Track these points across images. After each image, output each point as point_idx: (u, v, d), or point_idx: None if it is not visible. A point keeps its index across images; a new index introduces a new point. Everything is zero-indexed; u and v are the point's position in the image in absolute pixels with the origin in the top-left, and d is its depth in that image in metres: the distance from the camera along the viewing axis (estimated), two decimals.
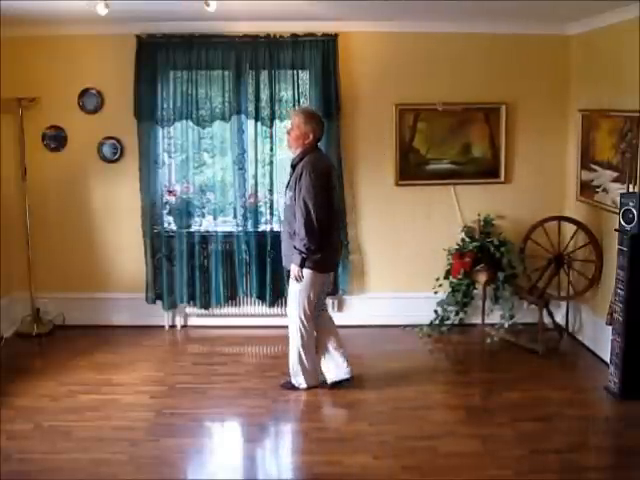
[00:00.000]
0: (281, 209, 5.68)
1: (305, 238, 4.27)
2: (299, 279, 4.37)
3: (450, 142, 5.77)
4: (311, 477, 3.71)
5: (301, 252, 4.30)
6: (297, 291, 4.46)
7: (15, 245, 5.72)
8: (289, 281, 4.54)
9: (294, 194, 4.37)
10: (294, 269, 4.37)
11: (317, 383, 4.66)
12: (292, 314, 4.54)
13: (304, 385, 4.62)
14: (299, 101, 5.57)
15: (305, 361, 4.57)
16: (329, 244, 4.44)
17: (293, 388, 4.63)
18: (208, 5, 4.21)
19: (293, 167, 4.48)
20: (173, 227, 5.78)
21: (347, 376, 4.65)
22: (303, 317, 4.49)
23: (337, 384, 4.64)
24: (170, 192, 5.75)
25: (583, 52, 5.47)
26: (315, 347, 4.64)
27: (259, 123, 5.59)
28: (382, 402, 4.50)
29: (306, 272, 4.39)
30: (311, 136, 4.41)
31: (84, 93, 5.67)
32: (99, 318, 5.86)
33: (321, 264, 4.42)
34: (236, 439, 4.22)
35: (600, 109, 5.15)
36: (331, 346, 4.66)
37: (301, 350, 4.55)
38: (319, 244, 4.32)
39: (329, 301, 5.88)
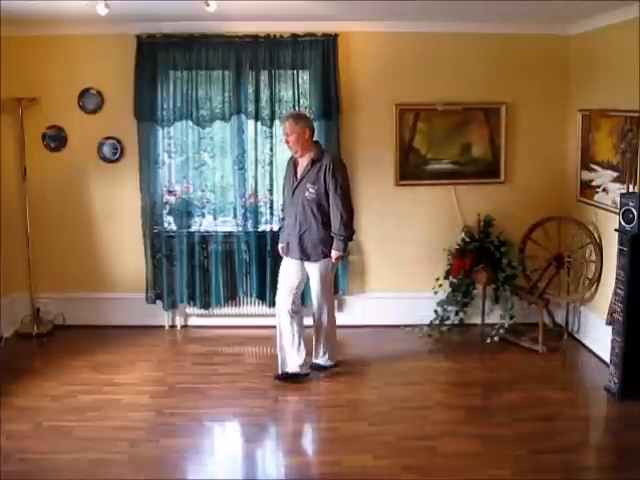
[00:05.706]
0: (281, 208, 5.72)
1: (350, 223, 4.60)
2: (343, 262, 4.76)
3: (450, 142, 5.77)
4: (311, 477, 3.71)
5: (346, 237, 4.61)
6: (325, 278, 4.69)
7: (15, 245, 5.72)
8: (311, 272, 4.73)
9: (320, 186, 4.57)
10: (339, 255, 4.63)
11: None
12: (324, 300, 4.75)
13: (330, 363, 4.88)
14: (299, 101, 5.57)
15: (333, 339, 4.89)
16: None
17: (291, 377, 4.72)
18: (208, 5, 4.21)
19: (312, 162, 4.63)
20: (173, 227, 5.78)
21: (330, 363, 4.90)
22: (331, 300, 4.84)
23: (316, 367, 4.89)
24: (170, 192, 5.75)
25: (583, 52, 5.47)
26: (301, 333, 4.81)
27: (259, 123, 5.59)
28: (382, 402, 4.50)
29: (327, 258, 4.65)
30: (307, 131, 4.63)
31: (84, 93, 5.66)
32: (99, 318, 5.85)
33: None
34: (236, 439, 4.22)
35: (600, 109, 5.15)
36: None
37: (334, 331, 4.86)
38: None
39: None
